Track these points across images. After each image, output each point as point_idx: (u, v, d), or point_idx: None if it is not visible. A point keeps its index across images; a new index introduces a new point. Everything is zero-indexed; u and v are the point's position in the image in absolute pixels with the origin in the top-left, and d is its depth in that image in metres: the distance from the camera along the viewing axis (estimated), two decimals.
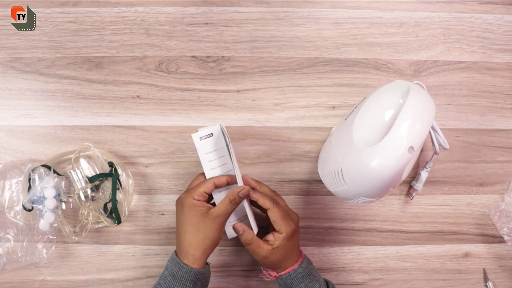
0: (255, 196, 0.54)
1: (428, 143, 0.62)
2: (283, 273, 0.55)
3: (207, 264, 0.55)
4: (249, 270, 0.65)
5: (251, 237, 0.54)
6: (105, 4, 0.63)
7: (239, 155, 0.64)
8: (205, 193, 0.53)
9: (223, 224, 0.53)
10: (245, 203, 0.54)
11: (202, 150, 0.55)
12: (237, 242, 0.64)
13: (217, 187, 0.54)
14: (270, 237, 0.54)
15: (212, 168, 0.55)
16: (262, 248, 0.53)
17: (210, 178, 0.54)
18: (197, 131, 0.55)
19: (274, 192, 0.58)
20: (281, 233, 0.54)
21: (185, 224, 0.52)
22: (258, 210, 0.59)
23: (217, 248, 0.64)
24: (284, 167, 0.64)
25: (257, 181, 0.57)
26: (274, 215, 0.53)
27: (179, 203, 0.54)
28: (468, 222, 0.66)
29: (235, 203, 0.53)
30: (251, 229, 0.55)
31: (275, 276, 0.56)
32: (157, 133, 0.64)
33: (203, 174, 0.56)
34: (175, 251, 0.54)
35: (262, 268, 0.58)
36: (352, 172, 0.48)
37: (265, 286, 0.65)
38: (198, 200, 0.52)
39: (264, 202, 0.54)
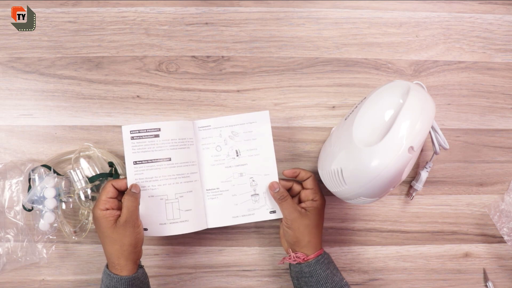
0: (297, 170, 0.58)
1: (428, 143, 0.62)
2: (311, 256, 0.55)
3: (141, 267, 0.55)
4: (249, 270, 0.65)
5: (287, 194, 0.56)
6: (105, 4, 0.63)
7: None
8: (110, 198, 0.53)
9: (135, 225, 0.53)
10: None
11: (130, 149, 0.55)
12: (237, 242, 0.64)
13: (118, 189, 0.54)
14: (302, 204, 0.57)
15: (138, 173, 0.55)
16: (295, 208, 0.55)
17: (108, 182, 0.54)
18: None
19: None
20: (315, 201, 0.56)
21: (101, 237, 0.53)
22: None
23: (217, 248, 0.64)
24: (284, 167, 0.64)
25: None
26: (314, 183, 0.57)
27: (93, 216, 0.54)
28: (468, 222, 0.66)
29: (134, 198, 0.53)
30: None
31: (304, 259, 0.55)
32: None
33: (113, 181, 0.55)
34: (107, 263, 0.54)
35: (289, 251, 0.57)
36: (352, 172, 0.48)
37: (265, 286, 0.65)
38: (107, 210, 0.52)
39: (306, 172, 0.58)
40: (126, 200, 0.53)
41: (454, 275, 0.66)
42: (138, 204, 0.54)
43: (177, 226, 0.56)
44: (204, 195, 0.59)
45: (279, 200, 0.56)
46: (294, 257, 0.56)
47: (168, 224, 0.56)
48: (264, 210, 0.59)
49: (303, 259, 0.55)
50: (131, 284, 0.51)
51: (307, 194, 0.57)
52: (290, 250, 0.57)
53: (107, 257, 0.53)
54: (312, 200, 0.57)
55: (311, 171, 0.59)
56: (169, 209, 0.56)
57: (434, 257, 0.66)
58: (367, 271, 0.66)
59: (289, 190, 0.59)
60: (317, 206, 0.56)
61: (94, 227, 0.61)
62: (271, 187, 0.57)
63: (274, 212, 0.59)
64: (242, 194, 0.59)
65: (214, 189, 0.59)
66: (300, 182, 0.59)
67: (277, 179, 0.58)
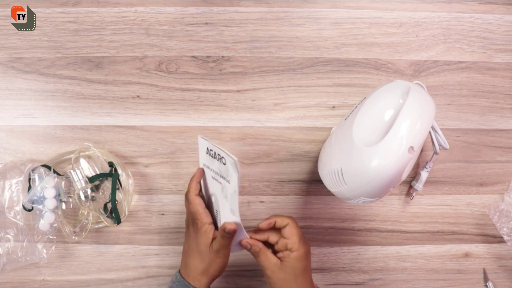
0: (272, 221, 0.52)
1: (428, 143, 0.62)
2: None
3: None
4: (249, 270, 0.65)
5: (259, 249, 0.52)
6: (105, 4, 0.63)
7: (240, 155, 0.64)
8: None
9: (226, 254, 0.52)
10: (235, 195, 0.49)
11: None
12: None
13: None
14: (280, 254, 0.52)
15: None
16: (271, 260, 0.51)
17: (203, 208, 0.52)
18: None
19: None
20: (292, 252, 0.51)
21: (194, 251, 0.52)
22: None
23: None
24: (284, 167, 0.64)
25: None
26: (291, 232, 0.51)
27: (192, 225, 0.53)
28: (468, 222, 0.66)
29: (228, 237, 0.50)
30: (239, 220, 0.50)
31: None
32: (157, 133, 0.64)
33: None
34: (180, 272, 0.53)
35: None
36: (352, 172, 0.48)
37: (265, 286, 0.65)
38: (211, 223, 0.52)
39: (282, 219, 0.52)
40: (219, 234, 0.51)
41: (454, 275, 0.66)
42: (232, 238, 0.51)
43: None
44: None
45: (254, 255, 0.53)
46: None
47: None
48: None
49: None
50: None
51: (283, 244, 0.52)
52: None
53: (190, 270, 0.52)
54: (288, 250, 0.51)
55: (290, 217, 0.53)
56: None
57: (434, 257, 0.66)
58: (367, 271, 0.66)
59: (265, 242, 0.54)
60: (294, 257, 0.50)
61: (94, 227, 0.61)
62: (243, 245, 0.52)
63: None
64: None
65: None
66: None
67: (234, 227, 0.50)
